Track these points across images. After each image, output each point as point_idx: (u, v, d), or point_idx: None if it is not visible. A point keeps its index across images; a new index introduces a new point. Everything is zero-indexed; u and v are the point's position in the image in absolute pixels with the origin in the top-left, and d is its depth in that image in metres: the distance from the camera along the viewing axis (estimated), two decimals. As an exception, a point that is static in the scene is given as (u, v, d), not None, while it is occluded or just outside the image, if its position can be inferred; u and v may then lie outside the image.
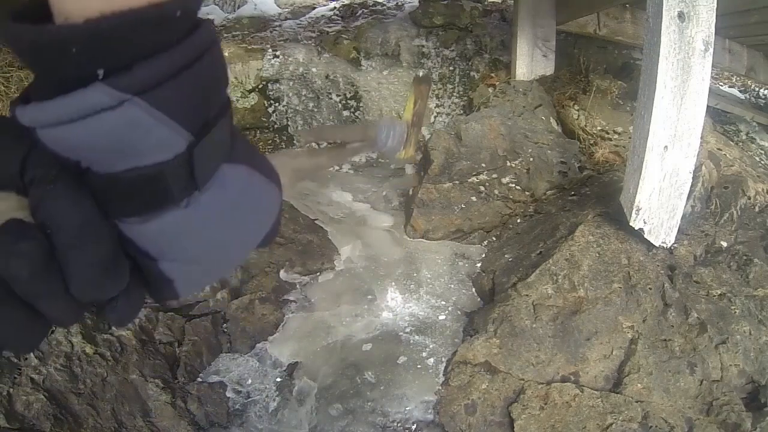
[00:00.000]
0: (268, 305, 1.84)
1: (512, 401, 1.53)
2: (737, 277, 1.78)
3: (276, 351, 1.75)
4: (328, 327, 1.84)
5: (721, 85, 3.91)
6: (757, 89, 3.83)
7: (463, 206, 2.31)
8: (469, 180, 2.40)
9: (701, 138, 1.71)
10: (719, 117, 3.13)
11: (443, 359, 1.71)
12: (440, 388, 1.61)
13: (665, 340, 1.62)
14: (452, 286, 2.05)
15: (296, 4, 4.01)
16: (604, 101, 2.95)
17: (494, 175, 2.43)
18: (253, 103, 3.16)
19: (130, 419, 1.48)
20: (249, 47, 3.21)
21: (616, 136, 2.79)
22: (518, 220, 2.30)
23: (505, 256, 2.06)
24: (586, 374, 1.58)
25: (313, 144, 0.53)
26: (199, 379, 1.64)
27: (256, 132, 3.21)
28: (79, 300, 0.26)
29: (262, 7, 3.92)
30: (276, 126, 3.22)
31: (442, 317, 1.90)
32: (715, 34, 1.59)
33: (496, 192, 2.38)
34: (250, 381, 1.66)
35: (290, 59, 3.23)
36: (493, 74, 3.24)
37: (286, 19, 3.76)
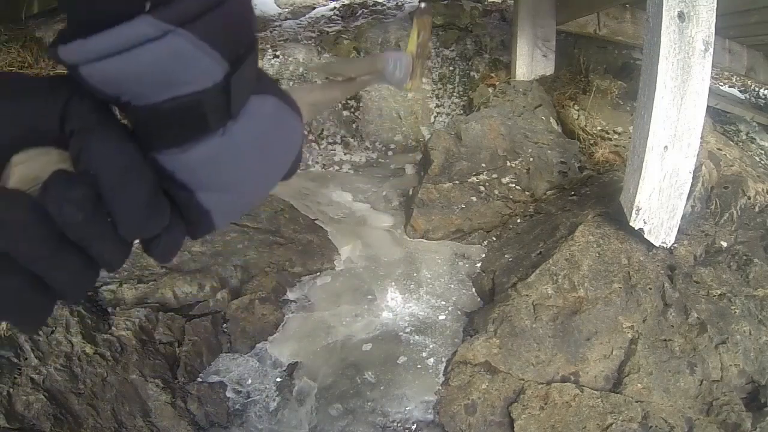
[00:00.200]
0: (268, 305, 1.84)
1: (512, 401, 1.53)
2: (737, 277, 1.78)
3: (276, 351, 1.75)
4: (328, 327, 1.84)
5: (721, 85, 3.91)
6: (757, 89, 3.83)
7: (463, 206, 2.31)
8: (469, 180, 2.40)
9: (701, 138, 1.71)
10: (719, 117, 3.13)
11: (443, 359, 1.71)
12: (440, 388, 1.61)
13: (665, 340, 1.62)
14: (452, 286, 2.05)
15: (296, 4, 4.02)
16: (604, 101, 2.96)
17: (494, 175, 2.43)
18: (253, 103, 3.15)
19: (130, 419, 1.48)
20: (249, 47, 3.20)
21: (616, 136, 2.79)
22: (518, 220, 2.30)
23: (505, 256, 2.06)
24: (586, 374, 1.58)
25: (326, 79, 0.55)
26: (199, 379, 1.64)
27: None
28: (127, 240, 0.27)
29: (262, 7, 3.92)
30: (276, 126, 3.21)
31: (442, 317, 1.90)
32: (715, 34, 1.59)
33: (496, 192, 2.38)
34: (250, 381, 1.66)
35: (290, 59, 3.23)
36: (493, 74, 3.24)
37: (286, 19, 3.76)
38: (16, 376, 1.45)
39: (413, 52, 0.59)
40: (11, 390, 1.41)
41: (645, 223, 1.73)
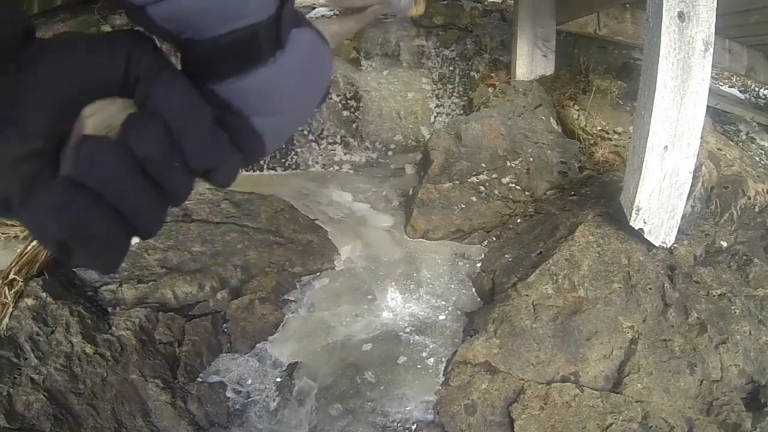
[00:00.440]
0: (268, 305, 1.84)
1: (512, 401, 1.53)
2: (737, 277, 1.78)
3: (276, 351, 1.75)
4: (328, 327, 1.84)
5: (721, 85, 3.91)
6: (757, 89, 3.83)
7: (463, 206, 2.31)
8: (469, 180, 2.40)
9: (701, 138, 1.71)
10: (719, 117, 3.13)
11: (443, 359, 1.71)
12: (440, 388, 1.61)
13: (665, 340, 1.62)
14: (452, 286, 2.05)
15: (296, 4, 4.01)
16: (604, 101, 2.96)
17: (494, 175, 2.43)
18: (253, 103, 3.16)
19: (130, 419, 1.48)
20: (249, 47, 3.20)
21: (616, 136, 2.79)
22: (518, 220, 2.30)
23: (505, 256, 2.06)
24: (586, 374, 1.58)
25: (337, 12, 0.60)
26: (199, 379, 1.64)
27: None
28: (195, 170, 0.30)
29: (262, 7, 3.91)
30: (276, 126, 3.21)
31: (442, 317, 1.90)
32: (715, 34, 1.59)
33: (496, 192, 2.38)
34: (250, 381, 1.66)
35: (290, 59, 3.21)
36: (493, 74, 3.24)
37: (286, 19, 3.75)
38: (16, 376, 1.45)
39: None
40: (11, 390, 1.41)
41: (645, 223, 1.73)
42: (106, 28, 2.93)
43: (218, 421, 1.55)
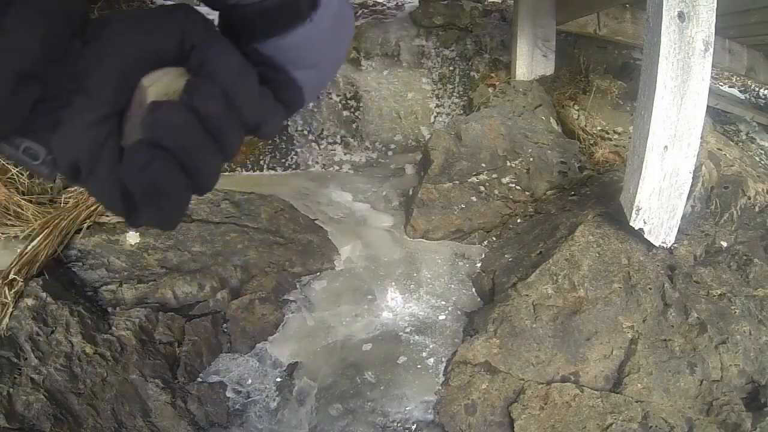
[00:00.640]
0: (268, 305, 1.84)
1: (512, 401, 1.53)
2: (737, 277, 1.78)
3: (276, 351, 1.75)
4: (328, 327, 1.84)
5: (721, 85, 3.91)
6: (757, 89, 3.83)
7: (463, 206, 2.31)
8: (469, 180, 2.40)
9: (701, 138, 1.71)
10: (719, 117, 3.13)
11: (443, 359, 1.71)
12: (440, 388, 1.61)
13: (665, 340, 1.62)
14: (452, 286, 2.05)
15: None
16: (604, 101, 2.96)
17: (494, 175, 2.43)
18: (253, 103, 3.16)
19: (130, 419, 1.48)
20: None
21: (616, 136, 2.79)
22: (518, 220, 2.30)
23: (505, 256, 2.06)
24: (586, 374, 1.58)
25: None
26: (199, 379, 1.64)
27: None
28: (248, 125, 0.33)
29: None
30: (276, 126, 3.21)
31: (442, 317, 1.90)
32: (715, 34, 1.59)
33: (496, 192, 2.38)
34: (250, 381, 1.66)
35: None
36: (493, 74, 3.24)
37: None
38: (16, 376, 1.45)
39: None
40: (11, 390, 1.41)
41: (645, 223, 1.73)
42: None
43: (218, 421, 1.55)
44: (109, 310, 1.72)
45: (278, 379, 1.66)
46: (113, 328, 1.62)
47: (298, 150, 3.12)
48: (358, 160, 3.17)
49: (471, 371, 1.60)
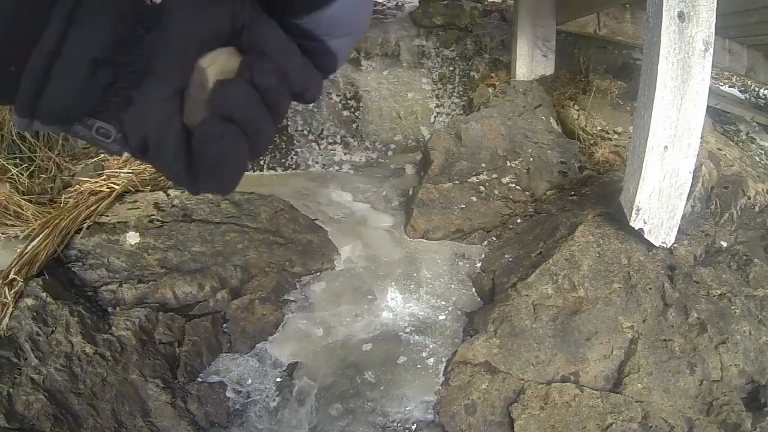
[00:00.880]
0: (268, 305, 1.84)
1: (512, 401, 1.53)
2: (737, 277, 1.78)
3: (276, 351, 1.75)
4: (328, 327, 1.84)
5: (721, 85, 3.91)
6: (757, 89, 3.83)
7: (463, 206, 2.31)
8: (469, 180, 2.40)
9: (701, 138, 1.71)
10: (719, 117, 3.13)
11: (443, 359, 1.71)
12: (440, 388, 1.61)
13: (665, 340, 1.62)
14: (452, 286, 2.05)
15: None
16: (604, 101, 2.95)
17: (494, 175, 2.43)
18: (253, 103, 3.15)
19: (130, 419, 1.49)
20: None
21: (616, 136, 2.79)
22: (518, 220, 2.30)
23: (505, 256, 2.06)
24: (586, 374, 1.58)
25: None
26: (199, 379, 1.64)
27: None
28: (296, 93, 0.36)
29: (262, 7, 3.91)
30: (276, 126, 3.21)
31: (442, 317, 1.90)
32: (715, 34, 1.59)
33: (496, 192, 2.38)
34: (250, 381, 1.66)
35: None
36: (493, 74, 3.24)
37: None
38: (16, 376, 1.45)
39: None
40: (11, 390, 1.42)
41: (645, 223, 1.73)
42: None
43: (218, 421, 1.55)
44: (109, 310, 1.72)
45: (278, 379, 1.66)
46: (113, 328, 1.63)
47: (298, 150, 3.12)
48: (358, 160, 3.17)
49: (471, 371, 1.60)
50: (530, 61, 3.08)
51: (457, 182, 2.38)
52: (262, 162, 3.03)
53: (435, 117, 3.34)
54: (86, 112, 0.31)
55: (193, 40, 0.33)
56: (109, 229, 1.92)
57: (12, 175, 2.01)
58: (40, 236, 1.74)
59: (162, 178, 2.25)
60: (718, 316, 1.65)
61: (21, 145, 2.19)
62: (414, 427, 1.53)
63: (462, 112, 3.27)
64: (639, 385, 1.53)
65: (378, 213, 2.52)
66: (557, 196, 2.33)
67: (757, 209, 2.05)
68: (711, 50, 1.59)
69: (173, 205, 2.10)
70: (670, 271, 1.76)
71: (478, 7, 3.50)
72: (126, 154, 0.35)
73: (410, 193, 2.53)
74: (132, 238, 1.90)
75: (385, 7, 3.69)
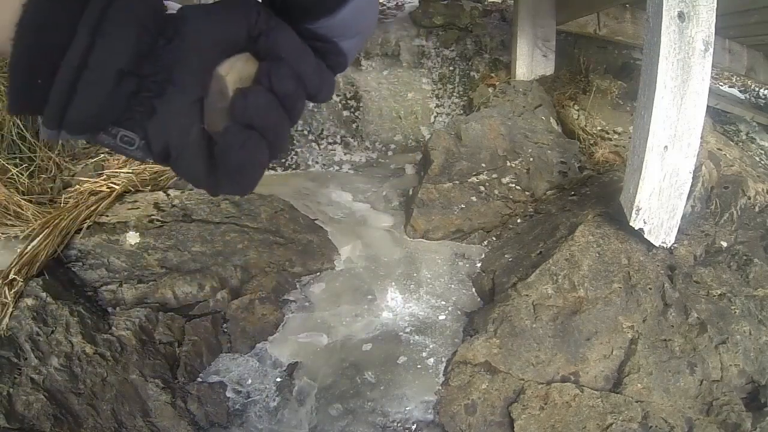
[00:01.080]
0: (268, 305, 1.84)
1: (512, 401, 1.53)
2: (737, 277, 1.78)
3: (276, 351, 1.75)
4: (328, 327, 1.84)
5: (721, 85, 3.91)
6: (757, 89, 3.83)
7: (463, 206, 2.31)
8: (469, 180, 2.40)
9: (701, 138, 1.71)
10: (719, 117, 3.13)
11: (443, 359, 1.71)
12: (440, 388, 1.61)
13: (665, 340, 1.62)
14: (452, 286, 2.05)
15: None
16: (604, 101, 2.95)
17: (494, 175, 2.43)
18: (253, 103, 3.15)
19: (130, 419, 1.49)
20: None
21: (616, 136, 2.79)
22: (518, 220, 2.30)
23: (505, 256, 2.06)
24: (586, 374, 1.58)
25: None
26: (199, 379, 1.64)
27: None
28: (310, 94, 0.38)
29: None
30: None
31: (442, 317, 1.90)
32: (715, 34, 1.59)
33: (496, 192, 2.38)
34: (250, 381, 1.66)
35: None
36: (493, 74, 3.24)
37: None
38: (16, 376, 1.45)
39: None
40: (11, 390, 1.42)
41: (645, 223, 1.73)
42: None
43: (218, 421, 1.55)
44: (109, 310, 1.72)
45: (278, 379, 1.66)
46: (113, 328, 1.63)
47: (298, 150, 3.12)
48: (358, 160, 3.17)
49: (471, 371, 1.60)
50: (530, 61, 3.08)
51: (457, 182, 2.39)
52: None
53: (435, 117, 3.34)
54: (111, 121, 0.32)
55: (211, 49, 0.34)
56: (109, 229, 1.92)
57: (12, 175, 2.01)
58: (40, 236, 1.74)
59: (162, 178, 2.25)
60: (718, 316, 1.65)
61: (21, 145, 2.19)
62: (414, 427, 1.53)
63: (462, 112, 3.27)
64: (639, 385, 1.53)
65: (378, 213, 2.52)
66: (557, 196, 2.33)
67: (757, 209, 2.05)
68: (711, 50, 1.59)
69: (173, 205, 2.10)
70: (670, 271, 1.76)
71: (478, 7, 3.50)
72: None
73: (410, 193, 2.53)
74: (132, 238, 1.90)
75: (385, 7, 3.69)
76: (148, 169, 2.22)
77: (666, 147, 1.64)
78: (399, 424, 1.54)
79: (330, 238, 2.24)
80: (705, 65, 1.60)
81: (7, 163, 2.05)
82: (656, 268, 1.75)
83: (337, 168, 3.10)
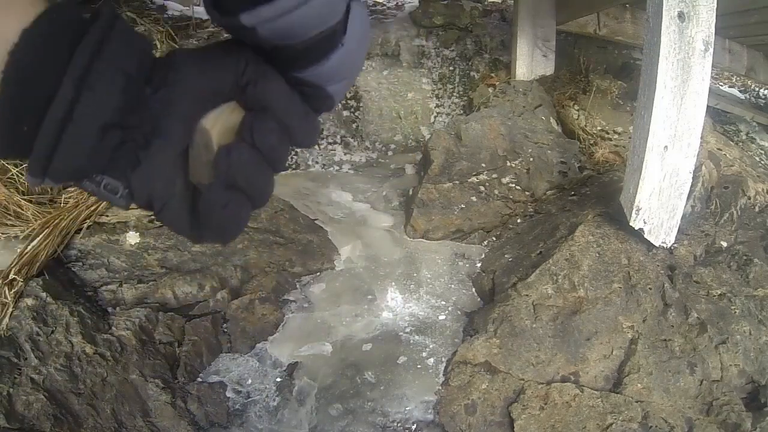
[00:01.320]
0: (268, 305, 1.84)
1: (512, 401, 1.53)
2: (737, 277, 1.78)
3: (276, 351, 1.75)
4: (328, 327, 1.84)
5: (721, 85, 3.91)
6: (757, 89, 3.83)
7: (463, 206, 2.31)
8: (469, 180, 2.40)
9: (701, 138, 1.71)
10: (719, 117, 3.13)
11: (443, 359, 1.71)
12: (440, 388, 1.61)
13: (665, 340, 1.62)
14: (452, 286, 2.05)
15: None
16: (604, 101, 2.95)
17: (494, 175, 2.43)
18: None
19: (130, 419, 1.49)
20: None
21: (616, 136, 2.79)
22: (518, 220, 2.30)
23: (505, 256, 2.06)
24: (586, 374, 1.58)
25: None
26: (199, 379, 1.64)
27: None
28: (296, 143, 0.38)
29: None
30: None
31: (442, 317, 1.90)
32: (715, 34, 1.59)
33: (496, 192, 2.38)
34: (250, 381, 1.66)
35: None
36: (493, 74, 3.24)
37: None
38: (16, 376, 1.45)
39: None
40: (11, 390, 1.42)
41: (645, 223, 1.73)
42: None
43: (218, 421, 1.55)
44: (109, 310, 1.72)
45: (278, 379, 1.66)
46: (113, 328, 1.62)
47: (298, 150, 3.12)
48: (358, 160, 3.17)
49: (471, 371, 1.60)
50: (530, 61, 3.08)
51: (457, 182, 2.38)
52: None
53: (435, 117, 3.34)
54: (95, 171, 0.32)
55: (197, 101, 0.34)
56: (109, 229, 1.92)
57: (12, 175, 2.01)
58: (40, 236, 1.74)
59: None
60: (718, 316, 1.65)
61: (21, 145, 2.18)
62: (414, 427, 1.53)
63: (462, 112, 3.27)
64: (639, 385, 1.53)
65: (378, 213, 2.52)
66: (557, 196, 2.33)
67: (757, 209, 2.05)
68: (711, 50, 1.59)
69: (173, 205, 2.10)
70: (670, 271, 1.76)
71: (478, 7, 3.50)
72: None
73: (410, 193, 2.53)
74: (132, 238, 1.90)
75: (385, 7, 3.69)
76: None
77: (666, 147, 1.64)
78: (399, 424, 1.54)
79: (330, 238, 2.24)
80: (705, 65, 1.60)
81: (7, 163, 2.05)
82: (656, 268, 1.75)
83: (337, 168, 3.10)
